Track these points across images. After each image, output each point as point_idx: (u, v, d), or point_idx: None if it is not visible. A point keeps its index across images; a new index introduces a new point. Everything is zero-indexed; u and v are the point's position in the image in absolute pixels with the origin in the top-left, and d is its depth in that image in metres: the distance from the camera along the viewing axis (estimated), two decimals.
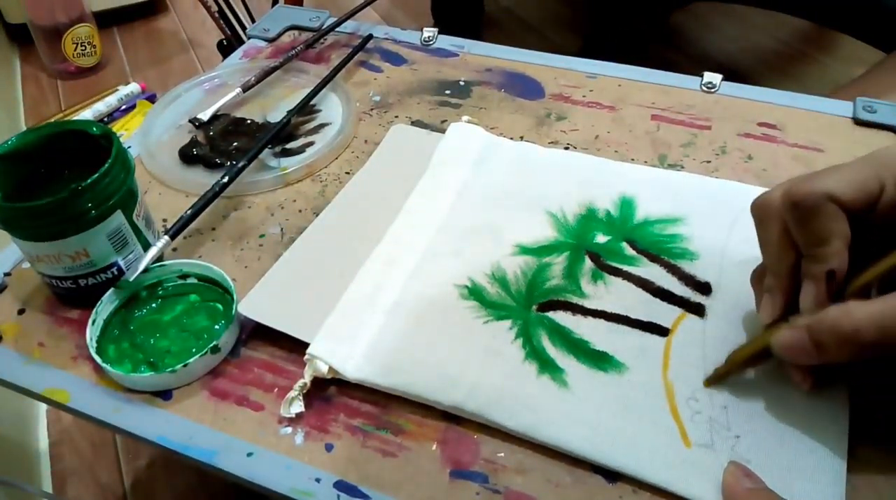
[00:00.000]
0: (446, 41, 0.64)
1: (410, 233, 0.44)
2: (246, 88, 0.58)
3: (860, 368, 0.34)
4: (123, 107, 1.20)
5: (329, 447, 0.35)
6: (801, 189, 0.32)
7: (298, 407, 0.36)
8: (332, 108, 0.56)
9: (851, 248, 0.31)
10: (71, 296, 0.41)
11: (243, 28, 1.12)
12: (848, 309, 0.30)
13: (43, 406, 0.79)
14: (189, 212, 0.44)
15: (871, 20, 0.87)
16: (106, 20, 1.49)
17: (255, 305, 0.40)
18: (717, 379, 0.35)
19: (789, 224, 0.33)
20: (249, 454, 0.35)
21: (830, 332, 0.30)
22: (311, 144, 0.53)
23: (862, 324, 0.29)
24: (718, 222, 0.43)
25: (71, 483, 0.73)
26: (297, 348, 0.38)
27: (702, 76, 0.56)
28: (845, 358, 0.30)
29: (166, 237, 0.42)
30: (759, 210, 0.35)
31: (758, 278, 0.36)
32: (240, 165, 0.48)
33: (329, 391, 0.37)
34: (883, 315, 0.29)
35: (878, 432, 0.33)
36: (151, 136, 0.55)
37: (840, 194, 0.31)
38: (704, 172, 0.48)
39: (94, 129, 0.40)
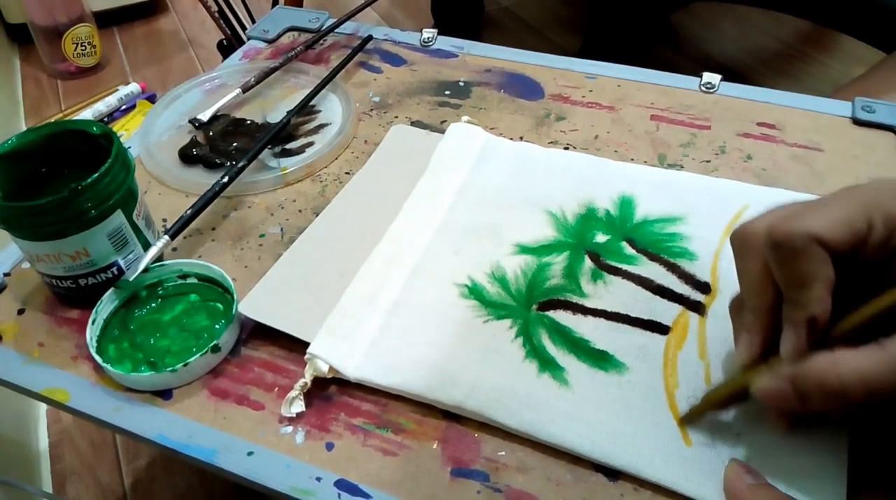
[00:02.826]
0: (446, 42, 0.64)
1: (410, 232, 0.44)
2: (246, 89, 0.58)
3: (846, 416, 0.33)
4: (123, 107, 1.21)
5: (329, 447, 0.35)
6: (784, 228, 0.29)
7: (299, 407, 0.36)
8: (331, 108, 0.56)
9: (837, 289, 0.29)
10: (71, 296, 0.41)
11: (243, 28, 1.12)
12: (835, 362, 0.28)
13: (43, 406, 0.79)
14: (189, 212, 0.44)
15: (871, 20, 0.87)
16: (106, 20, 1.49)
17: (255, 304, 0.40)
18: (692, 418, 0.34)
19: (770, 263, 0.31)
20: (250, 454, 0.35)
21: (816, 385, 0.29)
22: (310, 144, 0.53)
23: (848, 379, 0.28)
24: (718, 221, 0.43)
25: (71, 483, 0.73)
26: (297, 347, 0.38)
27: (701, 76, 0.56)
28: (827, 407, 0.29)
29: (166, 237, 0.42)
30: (740, 241, 0.32)
31: (735, 308, 0.34)
32: (240, 164, 0.48)
33: (329, 391, 0.37)
34: (871, 371, 0.27)
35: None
36: (151, 136, 0.55)
37: (825, 236, 0.29)
38: (704, 172, 0.48)
39: (95, 128, 0.41)
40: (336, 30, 0.66)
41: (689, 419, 0.34)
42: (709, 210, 0.44)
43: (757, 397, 0.31)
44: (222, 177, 0.46)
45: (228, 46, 1.11)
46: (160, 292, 0.42)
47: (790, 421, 0.33)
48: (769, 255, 0.30)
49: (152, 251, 0.41)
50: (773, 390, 0.30)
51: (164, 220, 0.48)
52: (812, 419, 0.33)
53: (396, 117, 0.56)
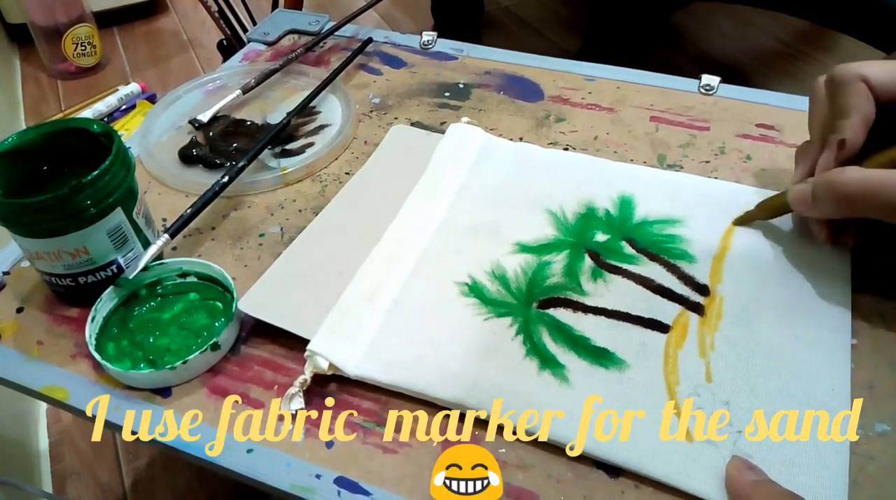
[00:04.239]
0: (445, 45, 0.64)
1: (410, 232, 0.44)
2: (246, 90, 0.58)
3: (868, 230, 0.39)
4: (123, 107, 1.21)
5: (329, 444, 0.35)
6: (841, 69, 0.37)
7: (299, 403, 0.36)
8: (331, 109, 0.57)
9: (877, 131, 0.36)
10: (70, 294, 0.41)
11: (243, 28, 1.12)
12: (843, 170, 0.35)
13: (43, 406, 0.79)
14: (189, 211, 0.44)
15: (871, 20, 0.87)
16: (106, 20, 1.49)
17: (255, 302, 0.40)
18: (744, 221, 0.43)
19: (827, 98, 0.38)
20: (249, 451, 0.35)
21: (825, 186, 0.36)
22: (310, 144, 0.53)
23: (850, 182, 0.35)
24: (717, 225, 0.43)
25: (71, 483, 0.73)
26: (297, 345, 0.38)
27: (700, 78, 0.56)
28: (836, 212, 0.36)
29: (166, 236, 0.42)
30: (813, 90, 0.41)
31: (800, 150, 0.42)
32: (240, 164, 0.48)
33: (329, 388, 0.37)
34: (869, 178, 0.34)
35: (879, 426, 0.34)
36: (151, 136, 0.55)
37: (872, 79, 0.36)
38: (703, 173, 0.48)
39: (95, 127, 0.41)
40: (336, 33, 0.66)
41: (741, 222, 0.43)
42: (708, 213, 0.44)
43: (789, 201, 0.39)
44: (222, 177, 0.47)
45: (228, 47, 1.12)
46: (160, 291, 0.42)
47: (827, 232, 0.39)
48: (826, 92, 0.38)
49: (152, 250, 0.41)
50: (797, 193, 0.38)
51: (164, 220, 0.48)
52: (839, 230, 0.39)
53: (396, 119, 0.56)
